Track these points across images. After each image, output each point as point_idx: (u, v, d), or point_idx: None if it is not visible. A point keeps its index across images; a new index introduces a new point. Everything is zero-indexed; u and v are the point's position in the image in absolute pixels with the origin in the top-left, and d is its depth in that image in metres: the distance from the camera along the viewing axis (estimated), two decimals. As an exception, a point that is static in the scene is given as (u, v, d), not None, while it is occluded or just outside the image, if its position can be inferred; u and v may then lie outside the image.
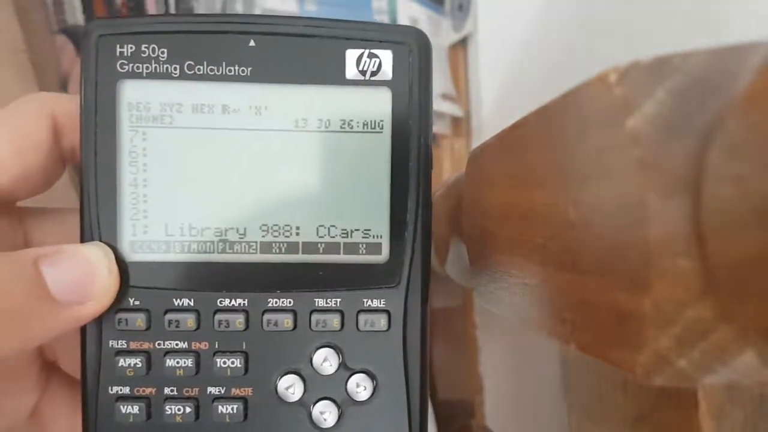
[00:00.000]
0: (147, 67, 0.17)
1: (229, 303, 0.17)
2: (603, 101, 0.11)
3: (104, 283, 0.16)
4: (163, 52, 0.17)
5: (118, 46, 0.17)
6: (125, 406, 0.17)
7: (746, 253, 0.09)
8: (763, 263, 0.09)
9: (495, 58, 0.49)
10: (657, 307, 0.10)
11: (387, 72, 0.17)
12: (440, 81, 0.51)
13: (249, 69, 0.17)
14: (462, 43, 0.52)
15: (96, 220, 0.17)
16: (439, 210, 0.26)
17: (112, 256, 0.17)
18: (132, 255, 0.17)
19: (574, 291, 0.13)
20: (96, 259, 0.16)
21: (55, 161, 0.18)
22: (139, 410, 0.17)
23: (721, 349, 0.10)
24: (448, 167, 0.52)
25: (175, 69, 0.17)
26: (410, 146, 0.18)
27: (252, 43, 0.17)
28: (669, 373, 0.11)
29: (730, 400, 0.16)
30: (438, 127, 0.52)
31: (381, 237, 0.18)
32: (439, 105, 0.50)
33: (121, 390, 0.17)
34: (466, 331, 0.42)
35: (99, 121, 0.17)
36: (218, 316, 0.17)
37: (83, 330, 0.17)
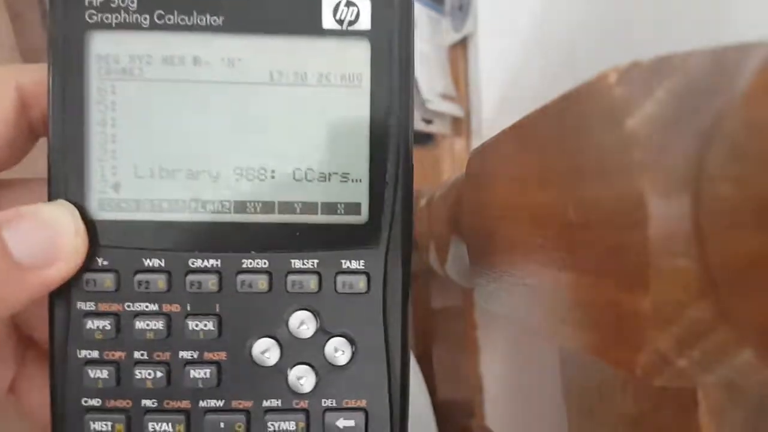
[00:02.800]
0: (116, 18, 0.16)
1: (202, 263, 0.17)
2: (603, 101, 0.11)
3: (71, 244, 0.16)
4: (132, 2, 0.16)
5: None
6: (94, 371, 0.16)
7: (746, 253, 0.09)
8: (762, 263, 0.09)
9: (495, 58, 0.49)
10: (657, 307, 0.10)
11: (365, 21, 0.17)
12: (440, 81, 0.51)
13: (221, 19, 0.16)
14: (462, 43, 0.52)
15: (63, 178, 0.16)
16: (439, 210, 0.26)
17: (77, 215, 0.16)
18: (101, 213, 0.17)
19: (574, 291, 0.13)
20: (60, 218, 0.16)
21: (24, 134, 0.17)
22: (108, 375, 0.16)
23: (721, 349, 0.10)
24: (448, 167, 0.52)
25: (145, 19, 0.16)
26: (391, 102, 0.17)
27: None
28: (669, 373, 0.11)
29: (730, 400, 0.16)
30: (438, 127, 0.52)
31: (360, 181, 0.17)
32: (439, 105, 0.50)
33: (89, 354, 0.17)
34: (466, 331, 0.42)
35: (66, 75, 0.16)
36: (190, 277, 0.17)
37: (51, 292, 0.16)
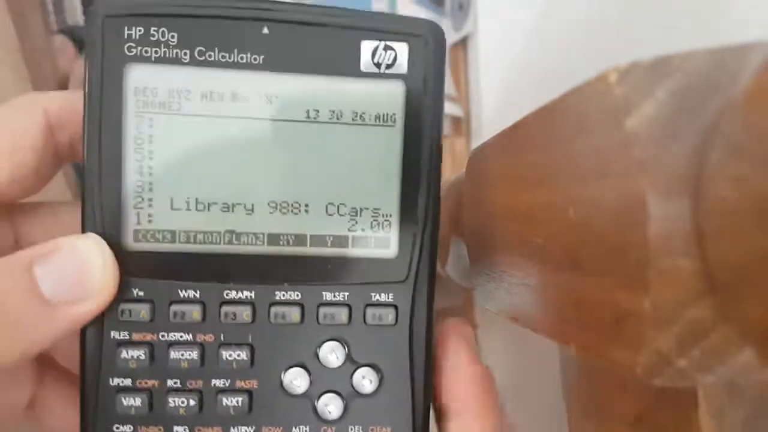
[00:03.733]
0: (155, 51, 0.16)
1: (236, 295, 0.17)
2: (603, 101, 0.11)
3: (100, 279, 0.16)
4: (173, 36, 0.16)
5: (125, 28, 0.16)
6: (127, 398, 0.17)
7: (746, 253, 0.09)
8: (762, 263, 0.09)
9: (495, 58, 0.49)
10: (656, 307, 0.10)
11: (402, 65, 0.17)
12: (440, 81, 0.51)
13: (261, 57, 0.17)
14: (462, 43, 0.52)
15: (99, 209, 0.17)
16: (439, 210, 0.26)
17: (107, 249, 0.16)
18: (136, 244, 0.17)
19: (574, 291, 0.13)
20: (89, 253, 0.16)
21: (49, 160, 0.18)
22: (141, 402, 0.17)
23: (721, 348, 0.10)
24: (448, 167, 0.52)
25: (185, 54, 0.16)
26: (422, 141, 0.17)
27: (265, 30, 0.17)
28: (669, 373, 0.11)
29: (730, 400, 0.15)
30: (438, 127, 0.52)
31: (390, 217, 0.18)
32: (439, 105, 0.50)
33: (122, 382, 0.17)
34: (466, 331, 0.41)
35: (104, 106, 0.16)
36: (225, 308, 0.17)
37: None
